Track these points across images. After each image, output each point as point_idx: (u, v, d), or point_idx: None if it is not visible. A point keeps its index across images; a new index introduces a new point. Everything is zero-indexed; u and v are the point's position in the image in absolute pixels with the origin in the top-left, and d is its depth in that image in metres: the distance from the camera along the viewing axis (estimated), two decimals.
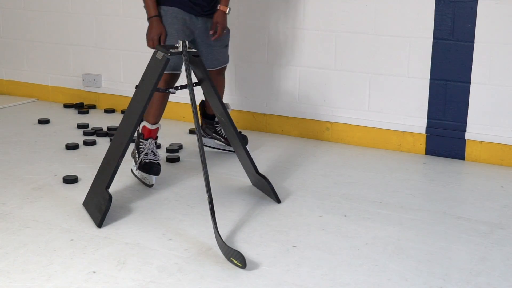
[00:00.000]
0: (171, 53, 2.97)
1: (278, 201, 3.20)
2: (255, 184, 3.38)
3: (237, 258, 2.55)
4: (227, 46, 3.65)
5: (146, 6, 3.44)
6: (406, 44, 3.92)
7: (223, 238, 2.74)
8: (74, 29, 4.97)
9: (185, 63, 2.97)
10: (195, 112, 2.90)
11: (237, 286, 2.44)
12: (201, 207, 3.11)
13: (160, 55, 3.02)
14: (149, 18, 3.44)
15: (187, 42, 2.99)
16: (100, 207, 2.93)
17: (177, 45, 2.99)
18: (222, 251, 2.65)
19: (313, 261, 2.63)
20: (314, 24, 4.14)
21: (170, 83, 3.42)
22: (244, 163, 3.31)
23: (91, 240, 2.78)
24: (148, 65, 3.15)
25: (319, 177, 3.58)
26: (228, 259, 2.59)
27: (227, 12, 3.47)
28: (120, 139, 3.08)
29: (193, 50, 3.03)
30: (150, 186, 3.37)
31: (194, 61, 3.08)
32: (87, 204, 3.10)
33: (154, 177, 3.38)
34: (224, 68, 3.73)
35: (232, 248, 2.59)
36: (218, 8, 3.47)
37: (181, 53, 2.97)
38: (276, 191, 3.21)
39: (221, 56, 3.64)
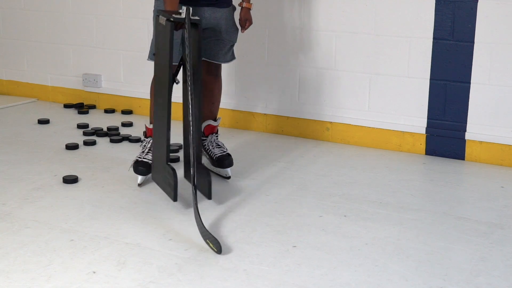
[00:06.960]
0: (174, 18, 2.96)
1: (210, 197, 3.12)
2: (187, 176, 3.30)
3: (213, 243, 2.63)
4: (232, 46, 3.49)
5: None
6: (406, 44, 3.92)
7: (224, 238, 2.74)
8: (74, 29, 4.97)
9: (186, 31, 2.95)
10: (193, 99, 2.93)
11: (237, 286, 2.44)
12: (201, 207, 3.11)
13: (162, 20, 3.03)
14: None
15: (191, 8, 2.97)
16: (169, 181, 3.03)
17: (181, 10, 2.98)
18: (199, 230, 2.71)
19: (313, 261, 2.63)
20: (314, 24, 4.14)
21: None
22: (187, 151, 3.21)
23: (91, 240, 2.78)
24: (155, 33, 3.16)
25: (319, 177, 3.58)
26: (204, 240, 2.66)
27: (251, 8, 3.49)
28: (160, 112, 3.12)
29: (196, 18, 3.02)
30: (139, 185, 3.38)
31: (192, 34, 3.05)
32: (156, 178, 3.22)
33: (140, 177, 3.37)
34: (217, 67, 3.51)
35: (210, 233, 2.66)
36: (243, 6, 3.47)
37: (183, 19, 2.95)
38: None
39: (217, 51, 3.44)
